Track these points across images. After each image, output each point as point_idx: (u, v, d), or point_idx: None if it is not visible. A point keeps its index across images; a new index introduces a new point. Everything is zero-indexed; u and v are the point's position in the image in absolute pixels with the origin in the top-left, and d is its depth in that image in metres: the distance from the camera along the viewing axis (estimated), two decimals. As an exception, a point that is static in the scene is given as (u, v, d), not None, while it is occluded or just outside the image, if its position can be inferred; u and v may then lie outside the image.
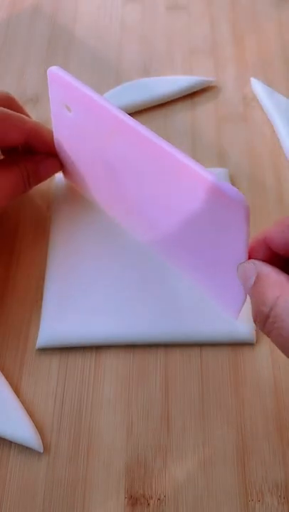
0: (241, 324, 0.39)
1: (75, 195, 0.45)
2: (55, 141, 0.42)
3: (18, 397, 0.36)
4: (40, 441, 0.35)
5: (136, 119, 0.33)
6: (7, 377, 0.37)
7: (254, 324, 0.39)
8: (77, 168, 0.43)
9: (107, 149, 0.36)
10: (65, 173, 0.45)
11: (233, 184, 0.46)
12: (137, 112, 0.51)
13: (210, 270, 0.37)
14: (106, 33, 0.58)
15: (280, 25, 0.58)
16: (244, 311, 0.39)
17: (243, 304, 0.37)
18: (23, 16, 0.59)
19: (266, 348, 0.39)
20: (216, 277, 0.38)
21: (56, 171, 0.43)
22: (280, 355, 0.38)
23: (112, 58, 0.55)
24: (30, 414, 0.36)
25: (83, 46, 0.56)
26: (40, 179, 0.42)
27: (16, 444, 0.35)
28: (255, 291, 0.29)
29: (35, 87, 0.53)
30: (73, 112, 0.37)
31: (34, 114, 0.51)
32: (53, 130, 0.41)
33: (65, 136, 0.41)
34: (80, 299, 0.40)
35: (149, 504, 0.33)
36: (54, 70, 0.36)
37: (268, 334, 0.28)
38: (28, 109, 0.52)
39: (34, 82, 0.53)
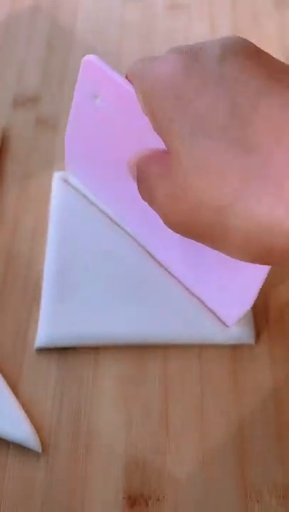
0: (240, 326, 0.38)
1: (75, 195, 0.45)
2: (68, 133, 0.41)
3: (17, 397, 0.36)
4: (39, 441, 0.35)
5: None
6: (5, 378, 0.37)
7: (253, 325, 0.39)
8: (88, 162, 0.42)
9: (135, 146, 0.33)
10: (70, 166, 0.44)
11: None
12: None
13: (211, 278, 0.37)
14: (106, 32, 0.57)
15: (280, 24, 0.58)
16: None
17: (243, 313, 0.37)
18: (22, 15, 0.59)
19: (266, 348, 0.38)
20: (215, 285, 0.37)
21: None
22: (280, 355, 0.38)
23: (112, 58, 0.55)
24: (29, 415, 0.36)
25: (83, 46, 0.56)
26: None
27: (14, 444, 0.35)
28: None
29: (35, 87, 0.53)
30: (104, 103, 0.35)
31: (34, 114, 0.51)
32: (69, 122, 0.40)
33: (84, 129, 0.39)
34: (78, 299, 0.40)
35: (147, 504, 0.33)
36: (91, 59, 0.34)
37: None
38: (27, 108, 0.52)
39: (34, 82, 0.53)
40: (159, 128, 0.27)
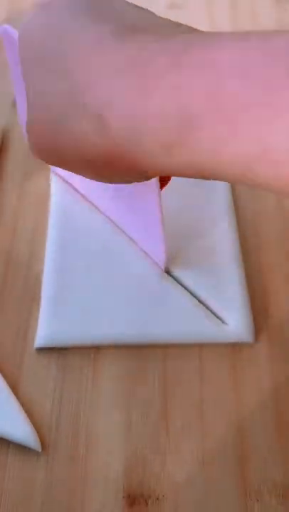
0: (239, 324, 0.38)
1: (74, 194, 0.45)
2: (20, 122, 0.42)
3: (17, 397, 0.36)
4: (39, 440, 0.35)
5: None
6: (5, 377, 0.37)
7: (252, 323, 0.39)
8: None
9: None
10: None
11: (232, 191, 0.45)
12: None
13: (139, 224, 0.39)
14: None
15: (280, 24, 0.58)
16: (241, 311, 0.39)
17: (164, 248, 0.38)
18: (22, 15, 0.59)
19: (265, 346, 0.38)
20: (143, 230, 0.40)
21: None
22: (280, 355, 0.38)
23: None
24: (29, 414, 0.36)
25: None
26: None
27: (14, 443, 0.35)
28: None
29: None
30: None
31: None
32: (17, 100, 0.43)
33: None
34: (78, 298, 0.40)
35: (147, 504, 0.33)
36: (6, 30, 0.36)
37: None
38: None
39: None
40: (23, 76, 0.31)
